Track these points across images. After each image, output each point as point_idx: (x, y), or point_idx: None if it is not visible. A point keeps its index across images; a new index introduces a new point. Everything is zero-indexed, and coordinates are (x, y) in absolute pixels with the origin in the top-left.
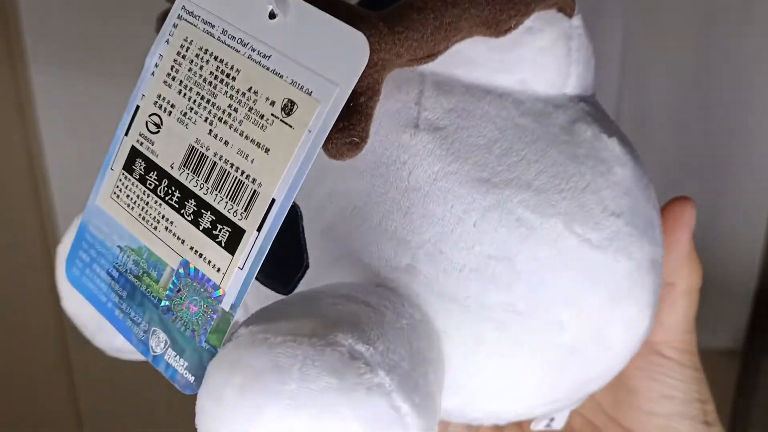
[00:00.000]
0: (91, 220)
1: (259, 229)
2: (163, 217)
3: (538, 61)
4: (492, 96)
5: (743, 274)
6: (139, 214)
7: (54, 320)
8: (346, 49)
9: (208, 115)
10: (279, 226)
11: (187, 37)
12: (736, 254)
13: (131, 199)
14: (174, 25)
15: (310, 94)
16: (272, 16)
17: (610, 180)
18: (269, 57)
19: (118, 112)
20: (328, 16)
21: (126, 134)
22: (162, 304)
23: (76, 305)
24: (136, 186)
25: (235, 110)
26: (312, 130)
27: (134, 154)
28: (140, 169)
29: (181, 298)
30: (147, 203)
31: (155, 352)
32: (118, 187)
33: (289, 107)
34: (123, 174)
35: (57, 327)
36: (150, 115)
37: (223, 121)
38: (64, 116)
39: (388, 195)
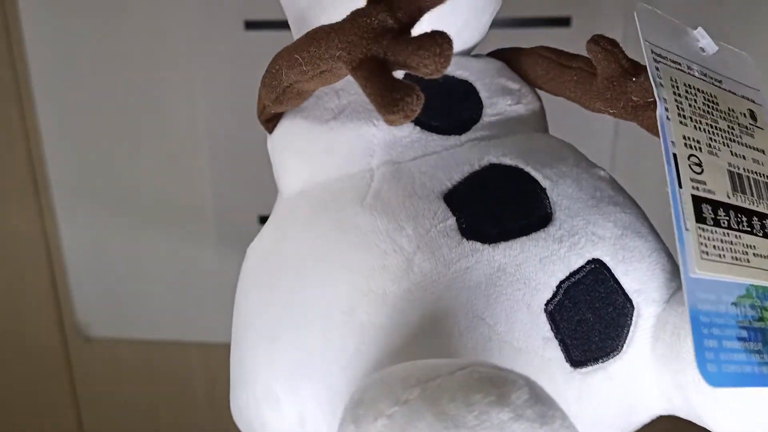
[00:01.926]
0: (695, 297)
1: None
2: (747, 246)
3: None
4: None
5: None
6: (732, 257)
7: (54, 320)
8: (747, 65)
9: (723, 139)
10: None
11: (671, 77)
12: None
13: (718, 248)
14: (656, 68)
15: (753, 101)
16: (702, 49)
17: None
18: (721, 81)
19: (117, 110)
20: (728, 46)
21: (680, 187)
22: None
23: None
24: (715, 232)
25: (732, 129)
26: None
27: (697, 201)
28: (710, 213)
29: None
30: (731, 242)
31: None
32: (702, 243)
33: (753, 115)
34: (699, 228)
35: (57, 327)
36: (689, 157)
37: (732, 140)
38: (64, 116)
39: None
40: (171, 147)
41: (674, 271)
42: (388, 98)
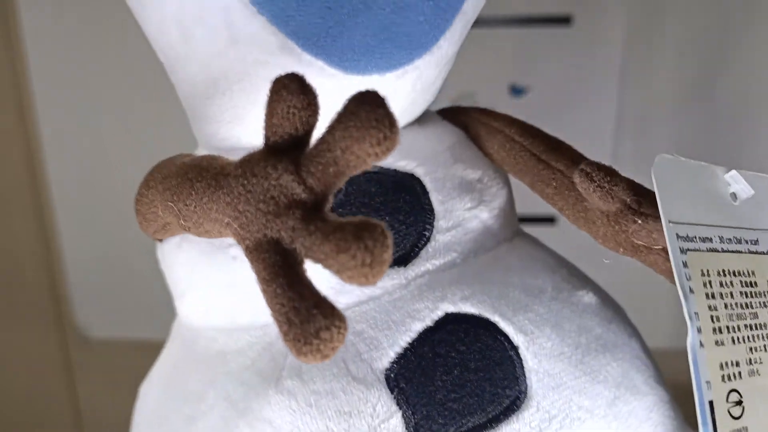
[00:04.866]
0: None
1: None
2: None
3: None
4: None
5: None
6: None
7: (54, 321)
8: None
9: (763, 341)
10: None
11: (702, 269)
12: None
13: None
14: (684, 264)
15: None
16: (733, 197)
17: None
18: (757, 241)
19: (118, 110)
20: (764, 177)
21: None
22: None
23: None
24: None
25: None
26: None
27: None
28: None
29: None
30: None
31: None
32: None
33: None
34: None
35: (57, 328)
36: (727, 396)
37: None
38: (64, 116)
39: None
40: (172, 146)
41: (677, 429)
42: (297, 327)
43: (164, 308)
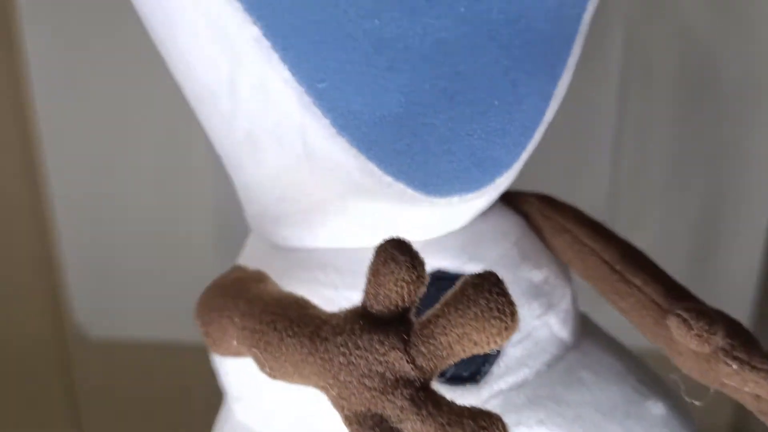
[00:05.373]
0: None
1: None
2: None
3: None
4: None
5: (743, 277)
6: None
7: (53, 321)
8: None
9: None
10: None
11: None
12: (736, 256)
13: None
14: None
15: None
16: None
17: None
18: None
19: (118, 111)
20: None
21: None
22: None
23: None
24: None
25: None
26: None
27: None
28: None
29: None
30: None
31: None
32: None
33: None
34: None
35: (56, 327)
36: None
37: None
38: (64, 116)
39: None
40: (172, 146)
41: None
42: None
43: (164, 308)
